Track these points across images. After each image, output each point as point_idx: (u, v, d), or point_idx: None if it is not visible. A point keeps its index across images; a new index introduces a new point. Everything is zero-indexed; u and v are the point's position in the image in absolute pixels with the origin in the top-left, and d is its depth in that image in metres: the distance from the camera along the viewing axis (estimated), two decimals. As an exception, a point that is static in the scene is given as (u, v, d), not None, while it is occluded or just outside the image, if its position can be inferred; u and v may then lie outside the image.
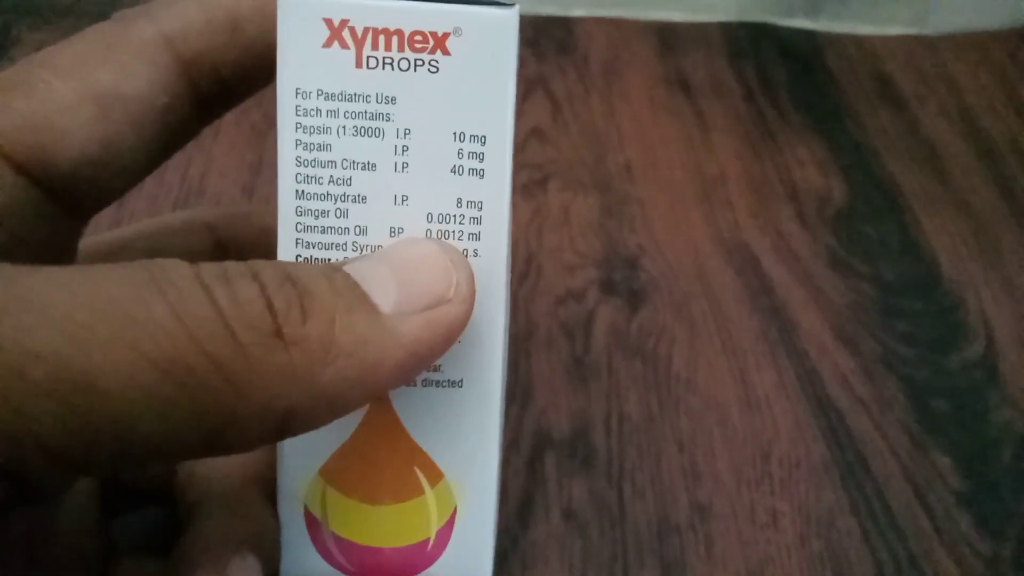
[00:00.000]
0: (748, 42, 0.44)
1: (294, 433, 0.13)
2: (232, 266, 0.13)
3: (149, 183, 0.32)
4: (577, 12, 0.44)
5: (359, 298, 0.13)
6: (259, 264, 0.13)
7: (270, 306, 0.12)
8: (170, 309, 0.12)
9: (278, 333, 0.12)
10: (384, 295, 0.14)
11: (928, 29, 0.45)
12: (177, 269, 0.12)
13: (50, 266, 0.12)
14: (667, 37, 0.43)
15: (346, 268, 0.14)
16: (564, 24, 0.43)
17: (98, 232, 0.19)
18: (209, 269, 0.12)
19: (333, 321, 0.13)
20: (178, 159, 0.29)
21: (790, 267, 0.33)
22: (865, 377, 0.30)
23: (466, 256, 0.16)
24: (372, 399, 0.14)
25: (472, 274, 0.15)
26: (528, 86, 0.39)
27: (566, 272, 0.32)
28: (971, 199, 0.37)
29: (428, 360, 0.14)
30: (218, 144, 0.34)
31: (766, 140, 0.38)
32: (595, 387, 0.29)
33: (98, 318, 0.11)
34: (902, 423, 0.29)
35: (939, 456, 0.28)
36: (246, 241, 0.21)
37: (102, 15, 0.16)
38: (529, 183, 0.35)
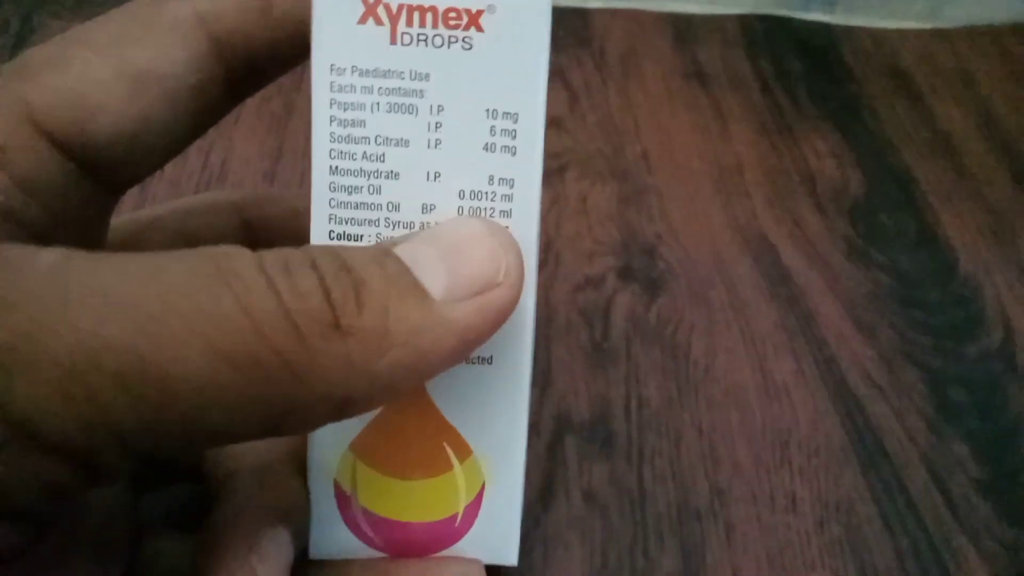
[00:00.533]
0: (764, 34, 0.44)
1: (349, 416, 0.14)
2: (292, 254, 0.13)
3: (170, 169, 0.32)
4: (594, 4, 0.44)
5: (410, 285, 0.14)
6: (316, 251, 0.13)
7: (328, 296, 0.13)
8: (237, 302, 0.12)
9: (336, 324, 0.13)
10: (434, 279, 0.14)
11: (943, 22, 0.45)
12: (241, 259, 0.13)
13: (119, 255, 0.12)
14: (683, 29, 0.43)
15: (397, 250, 0.14)
16: (581, 15, 0.43)
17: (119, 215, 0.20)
18: (271, 259, 0.13)
19: (387, 310, 0.13)
20: (199, 145, 0.29)
21: (808, 256, 0.33)
22: (883, 365, 0.30)
23: None
24: (423, 382, 0.14)
25: (521, 256, 0.15)
26: (545, 76, 0.39)
27: (584, 259, 0.32)
28: (987, 190, 0.37)
29: (478, 344, 0.14)
30: (239, 131, 0.34)
31: (782, 131, 0.38)
32: (614, 373, 0.29)
33: (169, 311, 0.11)
34: (920, 411, 0.29)
35: (958, 444, 0.28)
36: (273, 222, 0.21)
37: (123, 3, 0.17)
38: (547, 172, 0.35)
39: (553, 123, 0.37)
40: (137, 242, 0.19)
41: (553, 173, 0.35)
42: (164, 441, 0.12)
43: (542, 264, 0.32)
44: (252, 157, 0.33)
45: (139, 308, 0.11)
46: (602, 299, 0.31)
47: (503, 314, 0.14)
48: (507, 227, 0.16)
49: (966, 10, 0.45)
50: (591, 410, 0.28)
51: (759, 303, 0.31)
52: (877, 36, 0.44)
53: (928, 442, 0.28)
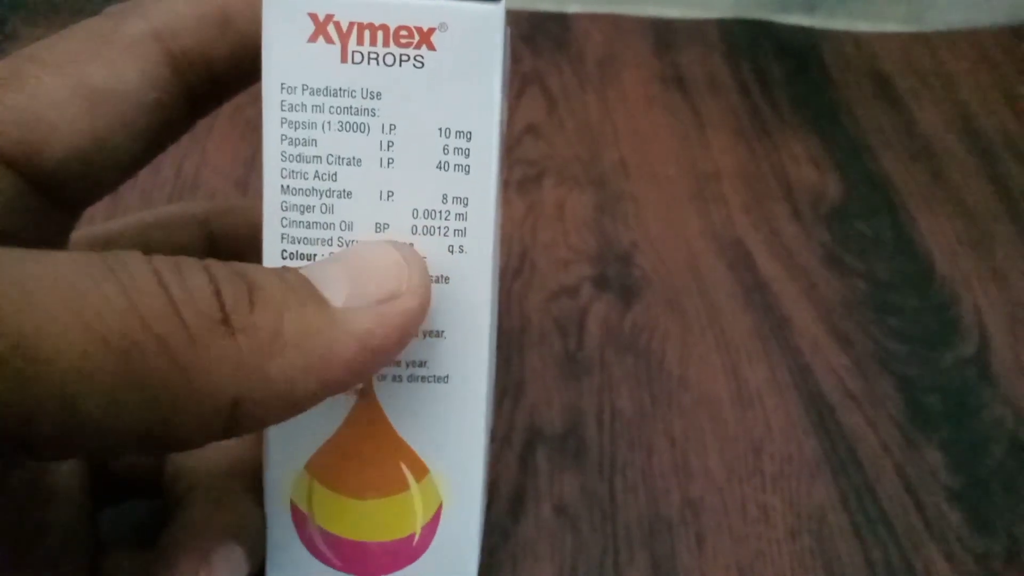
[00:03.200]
0: (744, 39, 0.44)
1: (247, 429, 0.13)
2: (185, 259, 0.13)
3: (143, 177, 0.32)
4: (573, 8, 0.44)
5: (310, 293, 0.14)
6: (212, 261, 0.13)
7: (218, 295, 0.12)
8: (120, 288, 0.12)
9: (225, 320, 0.12)
10: (336, 291, 0.14)
11: (925, 26, 0.45)
12: (131, 256, 0.12)
13: (10, 247, 0.12)
14: (663, 33, 0.43)
15: (300, 270, 0.14)
16: (560, 20, 0.43)
17: (90, 220, 0.20)
18: (162, 259, 0.13)
19: (282, 313, 0.13)
20: (172, 153, 0.29)
21: (784, 263, 0.33)
22: (858, 373, 0.30)
23: (452, 252, 0.16)
24: (328, 394, 0.14)
25: (425, 268, 0.15)
26: (523, 82, 0.39)
27: (560, 268, 0.32)
28: (966, 196, 0.37)
29: (384, 354, 0.14)
30: (212, 139, 0.34)
31: (761, 137, 0.38)
32: (587, 383, 0.29)
33: (47, 291, 0.11)
34: (894, 419, 0.29)
35: (931, 452, 0.28)
36: (237, 235, 0.21)
37: (97, 10, 0.16)
38: (524, 179, 0.35)
39: (530, 130, 0.37)
40: None
41: (530, 180, 0.35)
42: (40, 424, 0.11)
43: (517, 273, 0.32)
44: (225, 165, 0.33)
45: (17, 285, 0.11)
46: (577, 308, 0.31)
47: (408, 322, 0.14)
48: (462, 246, 0.16)
49: (948, 13, 0.45)
50: (563, 420, 0.28)
51: (734, 311, 0.31)
52: (858, 39, 0.44)
53: (901, 451, 0.28)
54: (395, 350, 0.14)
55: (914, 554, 0.26)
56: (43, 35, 0.16)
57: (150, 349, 0.12)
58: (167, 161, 0.33)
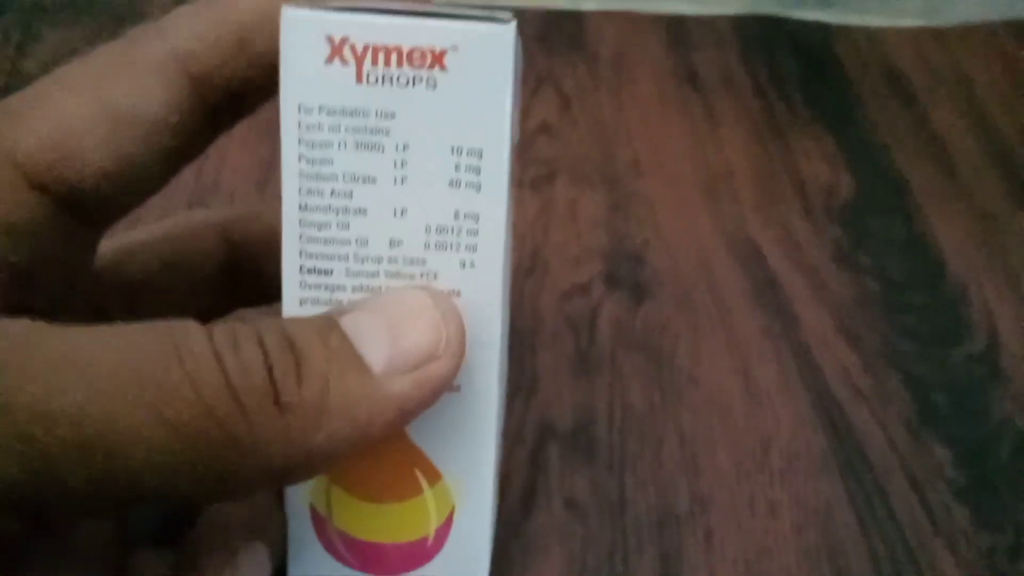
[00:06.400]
0: (759, 35, 0.44)
1: (290, 484, 0.15)
2: (240, 329, 0.14)
3: (166, 180, 0.33)
4: (588, 6, 0.44)
5: (352, 360, 0.14)
6: (263, 326, 0.14)
7: (271, 372, 0.13)
8: (186, 376, 0.13)
9: (276, 400, 0.13)
10: (376, 352, 0.15)
11: (940, 20, 0.45)
12: (193, 335, 0.13)
13: (79, 327, 0.13)
14: (677, 31, 0.43)
15: (342, 321, 0.15)
16: (575, 18, 0.43)
17: (114, 229, 0.20)
18: (221, 334, 0.14)
19: (327, 385, 0.14)
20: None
21: (795, 261, 0.34)
22: (866, 371, 0.30)
23: (464, 267, 0.16)
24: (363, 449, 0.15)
25: (462, 326, 0.16)
26: (537, 81, 0.40)
27: (572, 267, 0.33)
28: (979, 194, 0.37)
29: (417, 414, 0.15)
30: (231, 140, 0.35)
31: (775, 134, 0.39)
32: (599, 380, 0.29)
33: (123, 381, 0.12)
34: (902, 417, 0.29)
35: (939, 450, 0.29)
36: (256, 241, 0.22)
37: (122, 15, 0.17)
38: (537, 178, 0.36)
39: (544, 129, 0.37)
40: (120, 268, 0.20)
41: (543, 179, 0.35)
42: (109, 498, 0.13)
43: (530, 272, 0.32)
44: (244, 166, 0.34)
45: (95, 377, 0.12)
46: (588, 306, 0.31)
47: (441, 386, 0.15)
48: (472, 261, 0.16)
49: (963, 9, 0.45)
50: (575, 417, 0.28)
51: (744, 309, 0.32)
52: (873, 35, 0.44)
53: (909, 448, 0.28)
54: (428, 407, 0.15)
55: (920, 550, 0.26)
56: (69, 37, 0.16)
57: (213, 433, 0.13)
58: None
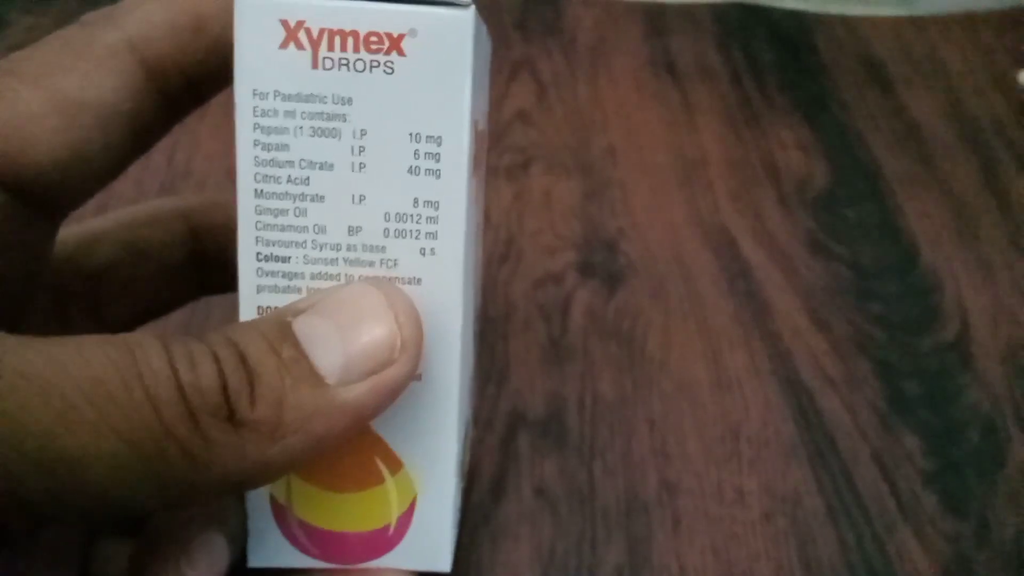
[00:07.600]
0: (737, 23, 0.44)
1: (250, 490, 0.15)
2: (197, 347, 0.14)
3: (135, 166, 0.32)
4: (566, -8, 0.44)
5: (305, 372, 0.14)
6: (218, 341, 0.14)
7: (225, 389, 0.14)
8: (147, 397, 0.13)
9: (231, 417, 0.14)
10: (330, 359, 0.14)
11: (918, 10, 0.45)
12: (152, 352, 0.14)
13: (45, 340, 0.13)
14: (656, 18, 0.43)
15: (296, 326, 0.15)
16: (553, 5, 0.43)
17: (83, 216, 0.20)
18: (178, 351, 0.14)
19: (281, 402, 0.14)
20: (165, 142, 0.29)
21: (768, 250, 0.34)
22: (837, 359, 0.31)
23: (423, 255, 0.16)
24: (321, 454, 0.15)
25: (419, 323, 0.16)
26: (514, 68, 0.40)
27: (546, 255, 0.33)
28: (953, 182, 0.37)
29: (374, 417, 0.15)
30: (204, 127, 0.35)
31: (750, 123, 0.39)
32: (570, 369, 0.29)
33: (86, 400, 0.13)
34: (872, 404, 0.29)
35: (908, 437, 0.29)
36: (221, 228, 0.22)
37: (92, 0, 0.17)
38: (512, 166, 0.35)
39: (520, 116, 0.37)
40: (84, 255, 0.20)
41: (518, 167, 0.35)
42: (69, 510, 0.13)
43: (503, 260, 0.32)
44: (217, 153, 0.34)
45: (56, 397, 0.12)
46: (561, 295, 0.31)
47: (398, 389, 0.15)
48: (433, 248, 0.16)
49: (941, -3, 0.45)
50: (546, 406, 0.28)
51: (716, 297, 0.32)
52: (851, 24, 0.44)
53: (878, 435, 0.29)
54: (385, 409, 0.16)
55: (887, 536, 0.26)
56: (38, 23, 0.16)
57: (171, 449, 0.13)
58: (159, 150, 0.34)
